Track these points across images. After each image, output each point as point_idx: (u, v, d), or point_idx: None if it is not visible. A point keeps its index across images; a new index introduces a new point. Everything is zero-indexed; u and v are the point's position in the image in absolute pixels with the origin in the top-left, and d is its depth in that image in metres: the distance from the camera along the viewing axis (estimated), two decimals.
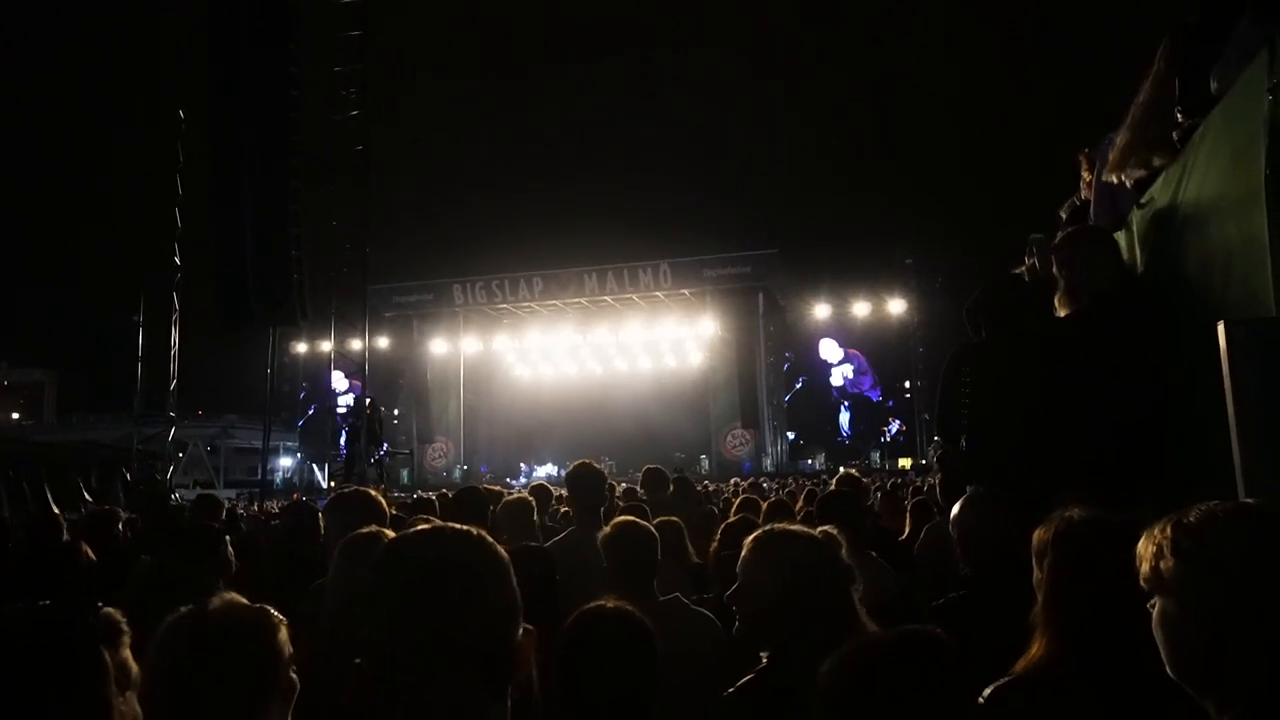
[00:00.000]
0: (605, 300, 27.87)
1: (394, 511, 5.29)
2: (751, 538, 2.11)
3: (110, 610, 1.70)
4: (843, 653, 1.43)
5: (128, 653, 1.64)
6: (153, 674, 1.44)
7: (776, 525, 2.20)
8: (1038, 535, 1.98)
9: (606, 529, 2.98)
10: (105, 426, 28.87)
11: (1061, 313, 3.26)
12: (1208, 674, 1.19)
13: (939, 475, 4.70)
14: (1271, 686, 1.13)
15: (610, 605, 2.04)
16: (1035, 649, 1.83)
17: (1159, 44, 3.10)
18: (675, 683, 2.03)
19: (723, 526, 3.88)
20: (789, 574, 1.98)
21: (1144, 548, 1.27)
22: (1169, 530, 1.23)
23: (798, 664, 1.92)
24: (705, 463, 26.98)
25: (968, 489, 2.94)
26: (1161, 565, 1.23)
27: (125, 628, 1.67)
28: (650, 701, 1.93)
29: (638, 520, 3.08)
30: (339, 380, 26.64)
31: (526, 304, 28.34)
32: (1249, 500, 1.30)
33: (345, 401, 25.82)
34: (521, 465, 28.93)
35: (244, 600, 1.53)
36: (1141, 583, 1.27)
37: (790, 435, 29.97)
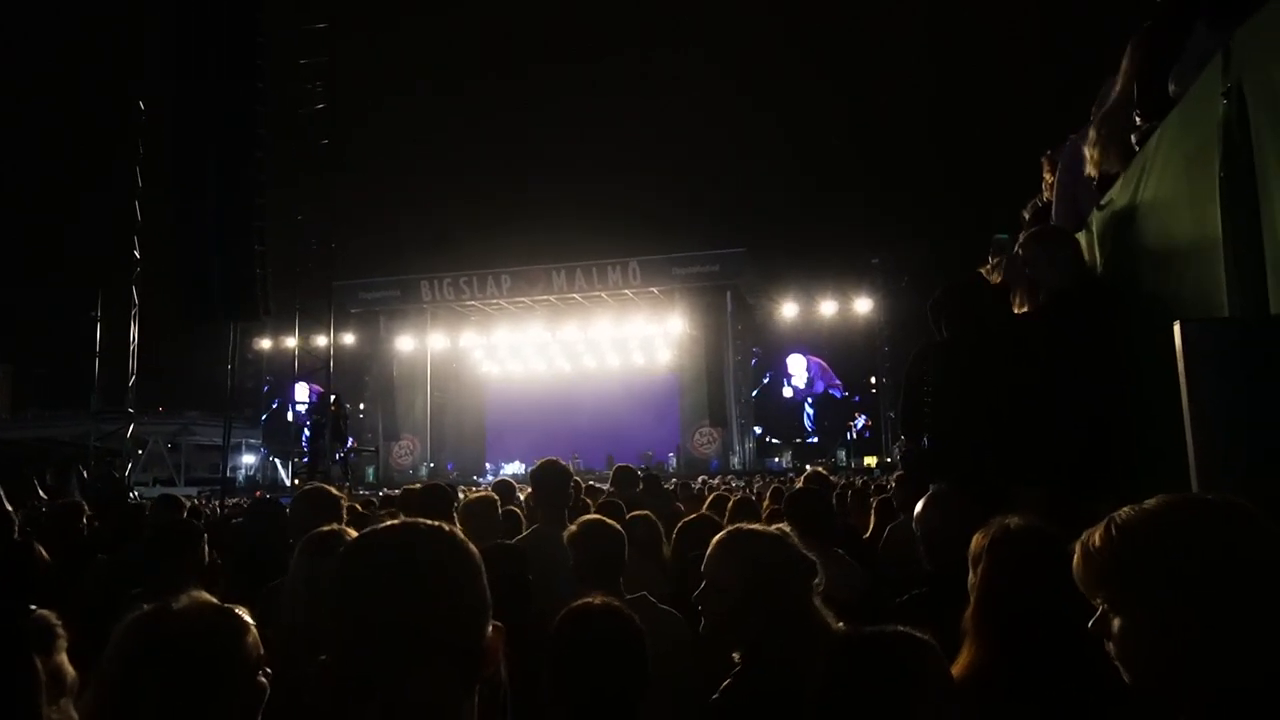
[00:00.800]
0: (574, 298, 27.82)
1: (360, 509, 5.24)
2: (716, 538, 2.11)
3: (45, 613, 1.64)
4: (833, 654, 1.43)
5: (63, 657, 1.59)
6: (104, 674, 1.39)
7: (741, 524, 2.20)
8: (975, 540, 1.99)
9: (573, 526, 2.97)
10: (63, 423, 28.28)
11: (1022, 311, 3.31)
12: (1165, 680, 1.12)
13: (899, 473, 4.75)
14: (1235, 686, 1.06)
15: (598, 603, 2.03)
16: (964, 656, 1.82)
17: (1123, 45, 3.15)
18: None
19: (679, 526, 3.87)
20: (752, 572, 1.99)
21: (1082, 553, 1.19)
22: (1110, 532, 1.16)
23: (770, 663, 1.93)
24: (673, 460, 27.03)
25: (931, 487, 2.97)
26: (1103, 571, 1.16)
27: (60, 631, 1.62)
28: (639, 700, 1.92)
29: (604, 519, 3.08)
30: (302, 382, 26.41)
31: (495, 301, 28.20)
32: (1187, 494, 1.23)
33: (309, 398, 25.56)
34: (488, 464, 28.79)
35: (212, 600, 1.48)
36: (1081, 588, 1.19)
37: (757, 430, 30.08)
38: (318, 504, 3.10)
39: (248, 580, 3.19)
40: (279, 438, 29.28)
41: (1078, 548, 1.20)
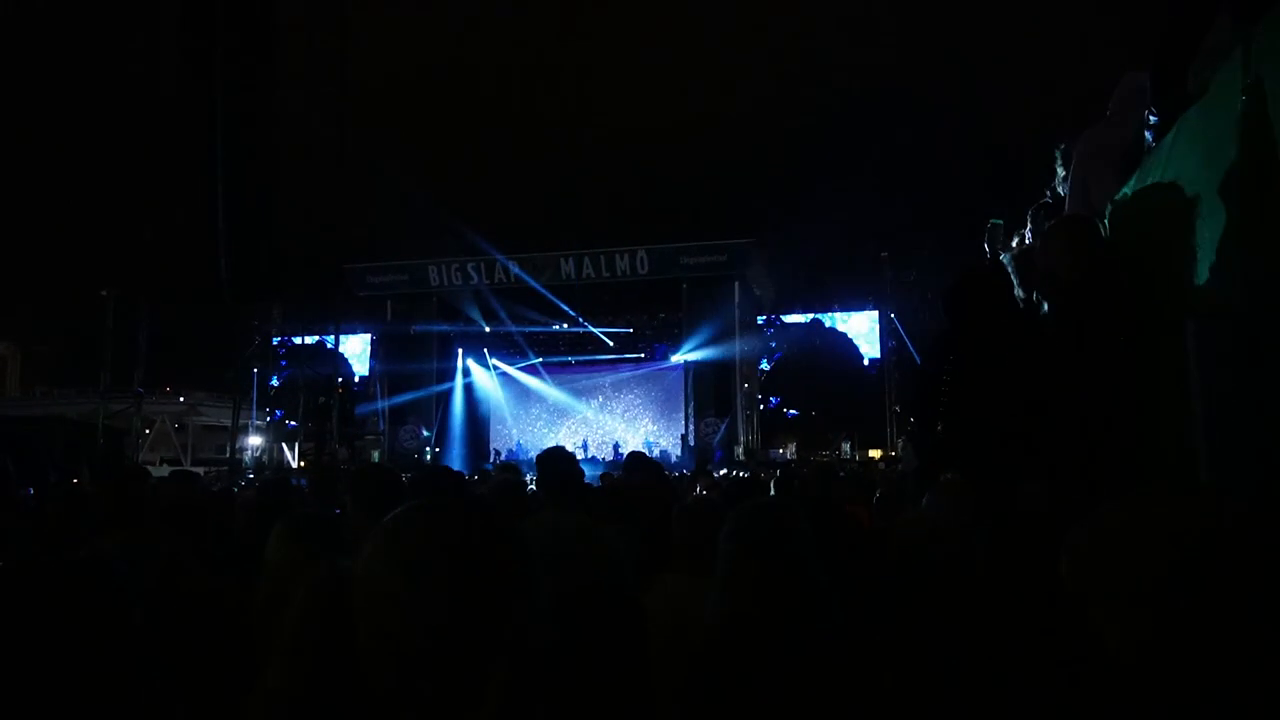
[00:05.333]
0: (582, 285, 27.80)
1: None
2: None
3: None
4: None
5: None
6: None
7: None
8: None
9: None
10: (71, 401, 28.42)
11: (1038, 302, 3.30)
12: (1133, 667, 1.12)
13: (913, 463, 4.75)
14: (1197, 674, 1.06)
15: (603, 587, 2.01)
16: None
17: (1142, 39, 3.13)
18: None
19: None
20: None
21: (1068, 553, 1.19)
22: (1076, 539, 1.17)
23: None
24: (678, 449, 27.05)
25: (942, 477, 2.98)
26: (1073, 571, 1.16)
27: None
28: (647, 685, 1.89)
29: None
30: (311, 357, 26.46)
31: (502, 287, 28.20)
32: (1177, 491, 1.21)
33: (316, 380, 25.58)
34: (493, 449, 28.86)
35: None
36: (1067, 584, 1.19)
37: (765, 404, 29.79)
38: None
39: None
40: (288, 405, 29.23)
41: (1066, 542, 1.20)
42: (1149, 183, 2.91)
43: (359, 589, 1.09)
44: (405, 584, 1.03)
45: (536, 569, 1.14)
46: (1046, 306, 3.25)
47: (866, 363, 28.70)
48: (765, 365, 29.26)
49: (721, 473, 15.21)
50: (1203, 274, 2.49)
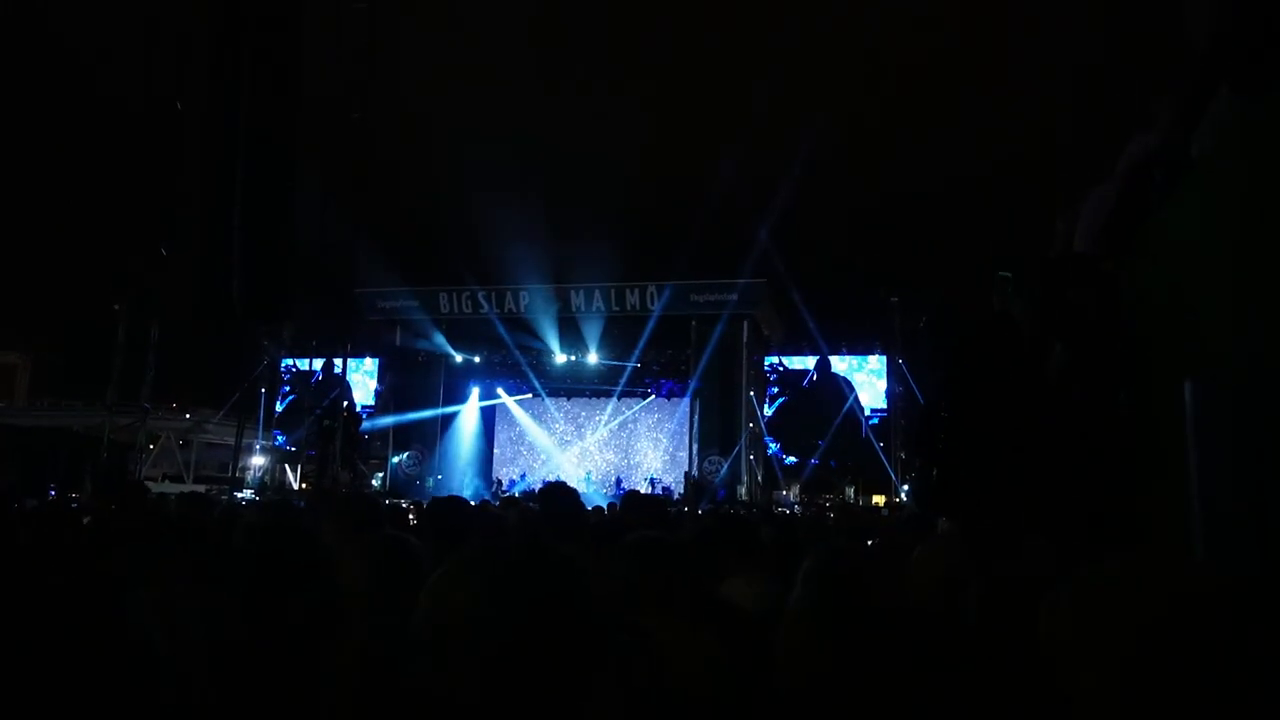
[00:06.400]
0: (591, 319, 27.89)
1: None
2: None
3: None
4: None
5: None
6: None
7: None
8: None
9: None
10: (78, 413, 28.48)
11: (1041, 353, 3.32)
12: None
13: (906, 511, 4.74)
14: None
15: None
16: None
17: (1151, 96, 3.18)
18: None
19: None
20: None
21: (1049, 610, 1.18)
22: (1074, 596, 1.16)
23: None
24: (681, 486, 26.95)
25: (939, 525, 2.98)
26: (1062, 634, 1.15)
27: None
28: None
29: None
30: (316, 381, 26.54)
31: (512, 317, 28.31)
32: (1158, 556, 1.22)
33: (322, 403, 25.63)
34: (496, 479, 28.82)
35: None
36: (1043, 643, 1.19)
37: (772, 448, 29.66)
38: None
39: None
40: (289, 441, 29.31)
41: (1048, 600, 1.19)
42: (1150, 247, 2.95)
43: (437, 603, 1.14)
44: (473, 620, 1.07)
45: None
46: (1046, 359, 3.28)
47: (869, 412, 28.60)
48: (768, 410, 29.20)
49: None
50: (1200, 337, 2.52)
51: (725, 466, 26.38)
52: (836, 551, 2.08)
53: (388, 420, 27.69)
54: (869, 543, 5.76)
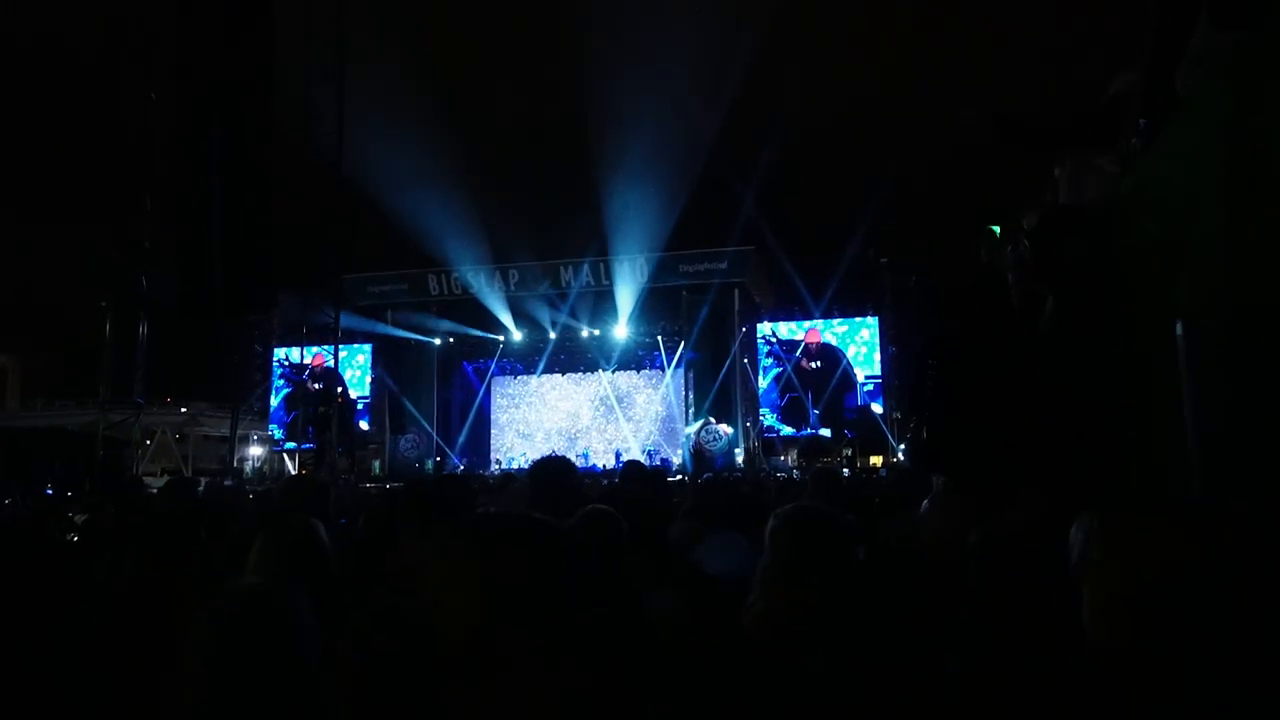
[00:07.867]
0: (582, 293, 27.81)
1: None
2: None
3: None
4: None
5: None
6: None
7: None
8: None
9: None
10: (71, 413, 28.42)
11: (1027, 307, 3.30)
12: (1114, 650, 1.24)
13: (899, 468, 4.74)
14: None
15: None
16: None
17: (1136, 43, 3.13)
18: None
19: None
20: None
21: (1075, 536, 1.35)
22: (1098, 528, 1.31)
23: None
24: (678, 456, 27.04)
25: (933, 482, 2.97)
26: (1087, 557, 1.30)
27: None
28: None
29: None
30: (309, 368, 26.49)
31: (502, 295, 28.22)
32: (1177, 504, 1.38)
33: (315, 390, 25.64)
34: (494, 458, 28.86)
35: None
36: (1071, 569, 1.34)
37: (766, 419, 29.78)
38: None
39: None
40: (285, 430, 29.28)
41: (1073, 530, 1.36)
42: (1137, 185, 2.92)
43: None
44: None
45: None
46: (1033, 312, 3.25)
47: (863, 378, 28.59)
48: (764, 381, 29.21)
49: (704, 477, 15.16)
50: (1193, 276, 2.49)
51: (723, 435, 26.46)
52: (798, 510, 2.11)
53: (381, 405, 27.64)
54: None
